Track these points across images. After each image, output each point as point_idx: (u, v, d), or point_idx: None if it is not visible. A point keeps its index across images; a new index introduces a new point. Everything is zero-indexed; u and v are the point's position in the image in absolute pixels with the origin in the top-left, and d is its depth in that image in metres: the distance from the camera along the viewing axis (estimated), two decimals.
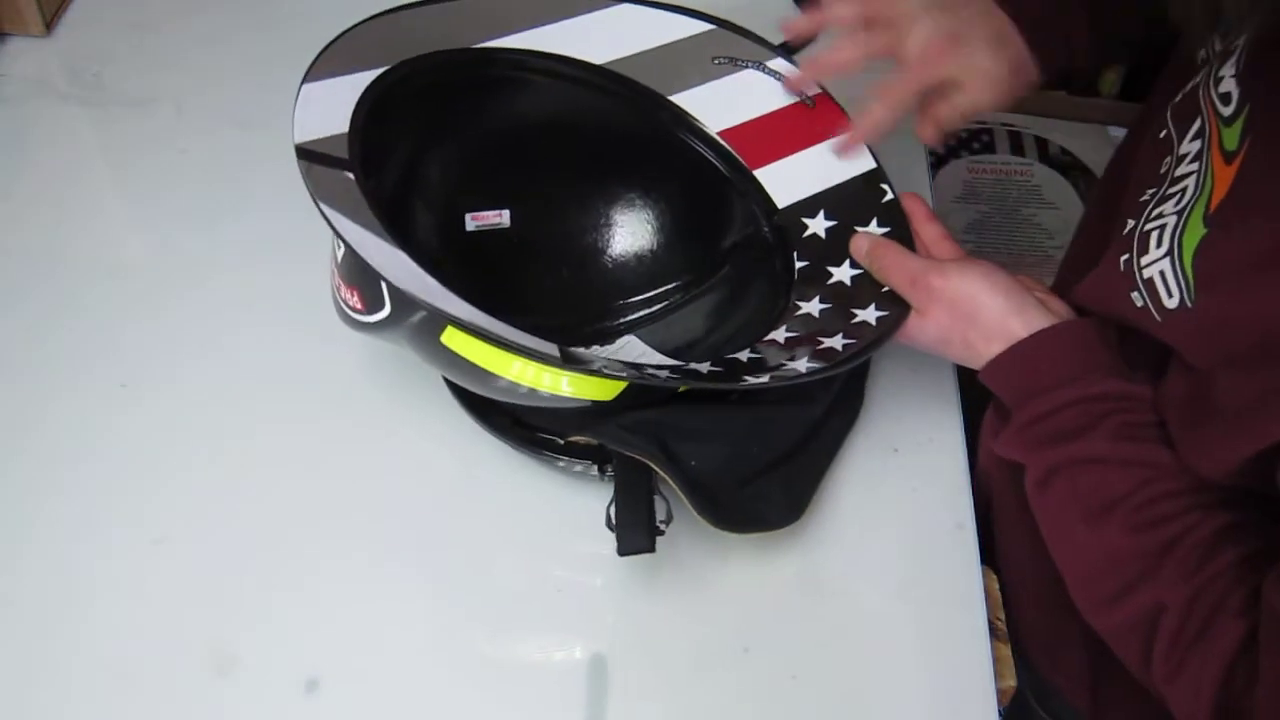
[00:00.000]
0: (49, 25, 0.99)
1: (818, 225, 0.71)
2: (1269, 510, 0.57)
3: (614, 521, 0.65)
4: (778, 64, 0.75)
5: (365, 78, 0.68)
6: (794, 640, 0.69)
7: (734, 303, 0.75)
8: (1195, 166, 0.56)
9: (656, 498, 0.66)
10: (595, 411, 0.66)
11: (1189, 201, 0.55)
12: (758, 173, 0.73)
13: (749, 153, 0.74)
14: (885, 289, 0.68)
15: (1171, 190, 0.57)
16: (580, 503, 0.71)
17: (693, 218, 0.78)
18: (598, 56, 0.74)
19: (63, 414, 0.76)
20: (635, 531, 0.64)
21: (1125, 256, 0.59)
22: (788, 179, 0.73)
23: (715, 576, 0.71)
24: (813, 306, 0.68)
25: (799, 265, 0.70)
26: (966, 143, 1.88)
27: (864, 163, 0.73)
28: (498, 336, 0.58)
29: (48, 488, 0.73)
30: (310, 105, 0.65)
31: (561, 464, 0.71)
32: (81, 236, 0.86)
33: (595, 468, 0.70)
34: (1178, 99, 0.60)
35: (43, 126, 0.93)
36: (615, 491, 0.66)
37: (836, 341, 0.65)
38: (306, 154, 0.62)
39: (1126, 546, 0.58)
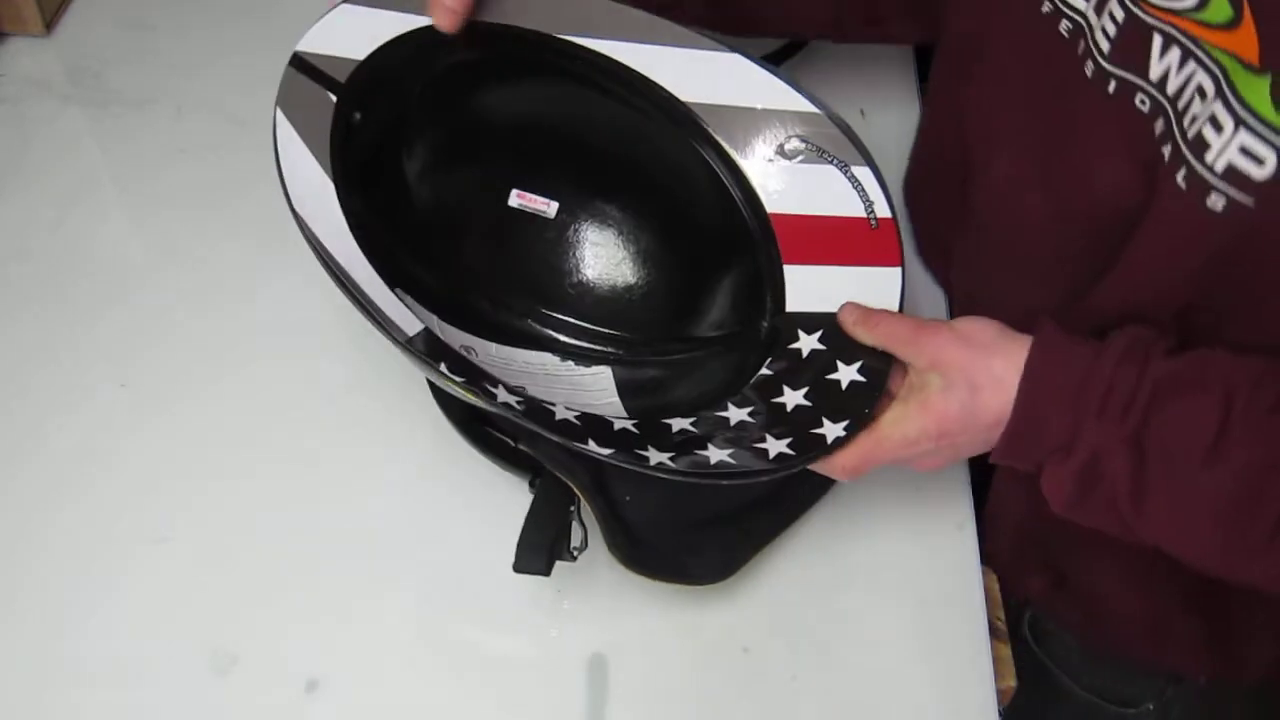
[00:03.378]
0: (49, 25, 0.99)
1: (806, 343, 0.68)
2: None
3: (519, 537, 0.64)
4: (863, 172, 0.70)
5: (412, 20, 0.66)
6: (794, 640, 0.69)
7: (696, 378, 0.73)
8: (1191, 66, 0.55)
9: (575, 524, 0.65)
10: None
11: (1216, 85, 0.54)
12: (787, 268, 0.70)
13: (789, 245, 0.71)
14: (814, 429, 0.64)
15: (1184, 100, 0.56)
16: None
17: (710, 285, 0.75)
18: (686, 92, 0.71)
19: (63, 414, 0.76)
20: (533, 552, 0.63)
21: (1182, 173, 0.56)
22: (809, 285, 0.70)
23: None
24: (741, 415, 0.66)
25: (764, 371, 0.67)
26: None
27: (890, 302, 0.69)
28: (354, 287, 0.60)
29: (48, 488, 0.73)
30: (337, 21, 0.64)
31: (507, 471, 0.70)
32: (81, 237, 0.86)
33: (528, 480, 0.69)
34: (1102, 55, 0.59)
35: (43, 126, 0.93)
36: (530, 508, 0.65)
37: (780, 445, 0.63)
38: (300, 63, 0.63)
39: (1266, 458, 0.55)
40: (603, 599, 0.70)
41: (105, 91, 0.96)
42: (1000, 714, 0.67)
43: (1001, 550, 0.77)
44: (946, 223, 0.78)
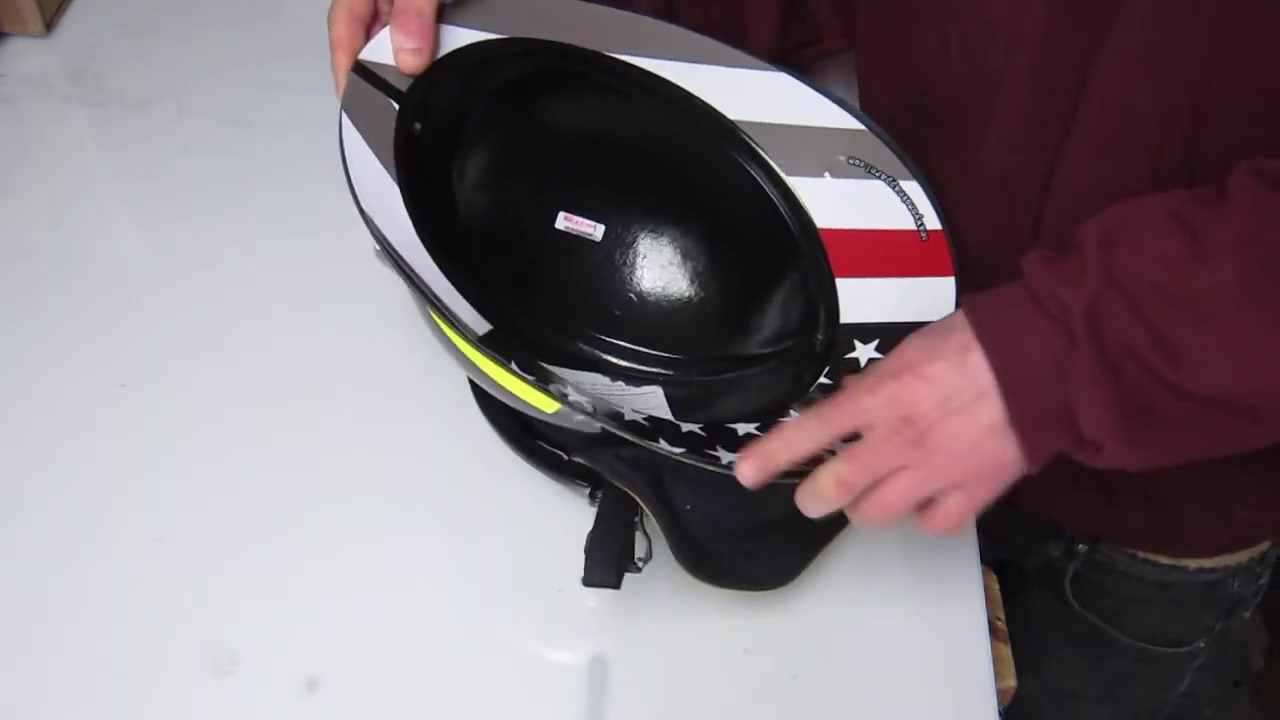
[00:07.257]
0: (49, 25, 0.99)
1: (863, 352, 0.68)
2: None
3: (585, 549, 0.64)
4: (912, 187, 0.71)
5: (470, 35, 0.67)
6: (794, 640, 0.69)
7: (750, 394, 0.73)
8: None
9: (638, 534, 0.65)
10: (600, 437, 0.65)
11: None
12: (839, 281, 0.70)
13: (840, 259, 0.71)
14: None
15: None
16: (586, 508, 0.71)
17: (760, 303, 0.75)
18: (733, 111, 0.71)
19: (62, 414, 0.76)
20: (602, 564, 0.63)
21: None
22: (863, 297, 0.70)
23: None
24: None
25: (821, 380, 0.67)
26: None
27: (944, 309, 0.68)
28: (424, 285, 0.58)
29: (48, 487, 0.73)
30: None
31: (563, 483, 0.70)
32: (81, 236, 0.86)
33: (587, 491, 0.69)
34: None
35: (43, 126, 0.93)
36: (595, 520, 0.65)
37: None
38: (362, 69, 0.62)
39: (1248, 227, 0.50)
40: (603, 599, 0.70)
41: (105, 91, 0.96)
42: (1000, 714, 0.67)
43: (1053, 484, 0.74)
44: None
